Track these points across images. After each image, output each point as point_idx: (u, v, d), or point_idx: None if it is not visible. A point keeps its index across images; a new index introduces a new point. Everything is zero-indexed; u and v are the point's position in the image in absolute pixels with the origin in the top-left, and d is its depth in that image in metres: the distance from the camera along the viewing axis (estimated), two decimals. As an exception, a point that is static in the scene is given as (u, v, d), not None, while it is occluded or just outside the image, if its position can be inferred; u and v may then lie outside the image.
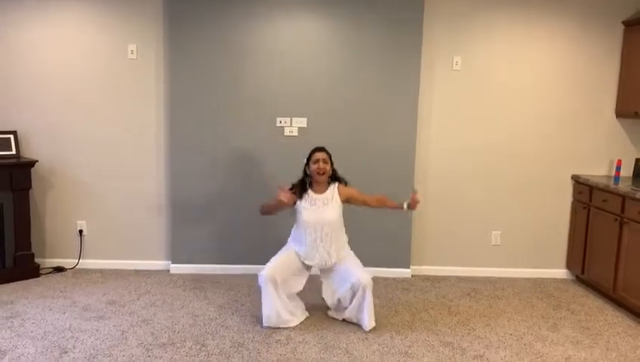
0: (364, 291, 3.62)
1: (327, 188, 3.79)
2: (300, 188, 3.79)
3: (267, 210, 3.93)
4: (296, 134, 4.63)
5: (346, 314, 3.78)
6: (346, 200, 3.81)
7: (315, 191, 3.77)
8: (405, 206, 3.81)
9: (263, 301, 3.68)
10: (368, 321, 3.66)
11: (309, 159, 3.79)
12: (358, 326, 3.73)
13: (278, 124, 4.63)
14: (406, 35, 4.54)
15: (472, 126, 4.78)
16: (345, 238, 3.87)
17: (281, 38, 4.55)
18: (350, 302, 3.72)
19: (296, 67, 4.57)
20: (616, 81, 4.76)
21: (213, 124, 4.61)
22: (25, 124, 4.62)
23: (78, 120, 4.66)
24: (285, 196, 3.69)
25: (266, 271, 3.65)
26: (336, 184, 3.82)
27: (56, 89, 4.62)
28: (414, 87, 4.59)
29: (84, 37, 4.59)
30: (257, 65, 4.56)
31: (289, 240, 3.92)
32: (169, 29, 4.54)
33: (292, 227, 3.90)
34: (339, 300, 3.79)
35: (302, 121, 4.62)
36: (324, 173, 3.73)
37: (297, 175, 4.56)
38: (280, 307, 3.66)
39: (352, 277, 3.65)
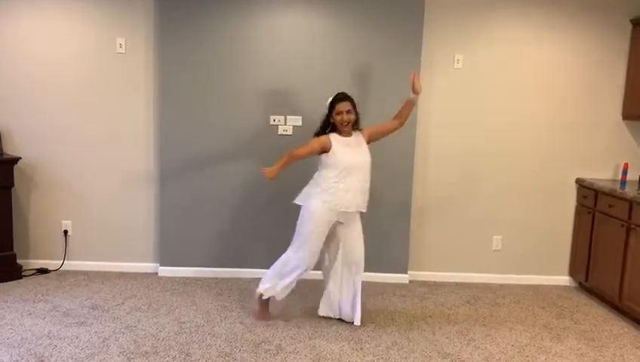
0: (357, 278, 3.68)
1: (352, 134, 3.67)
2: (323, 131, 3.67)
3: (306, 156, 3.70)
4: (291, 133, 4.46)
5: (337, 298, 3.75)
6: (370, 142, 3.71)
7: (344, 136, 3.64)
8: (411, 95, 3.70)
9: None
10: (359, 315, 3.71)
11: (331, 108, 3.62)
12: (352, 339, 3.56)
13: (271, 122, 4.46)
14: (405, 32, 4.37)
15: (473, 127, 4.62)
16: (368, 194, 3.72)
17: (275, 33, 4.37)
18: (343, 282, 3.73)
19: (291, 63, 4.40)
20: (623, 81, 4.60)
21: (204, 121, 4.44)
22: (8, 119, 4.44)
23: (65, 116, 4.48)
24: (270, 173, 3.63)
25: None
26: (358, 132, 3.70)
27: (42, 84, 4.44)
28: (414, 86, 4.42)
29: (71, 30, 4.41)
30: (251, 60, 4.39)
31: (312, 192, 3.61)
32: (159, 22, 4.36)
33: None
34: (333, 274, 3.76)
35: (296, 120, 4.45)
36: (348, 124, 3.60)
37: (291, 176, 4.41)
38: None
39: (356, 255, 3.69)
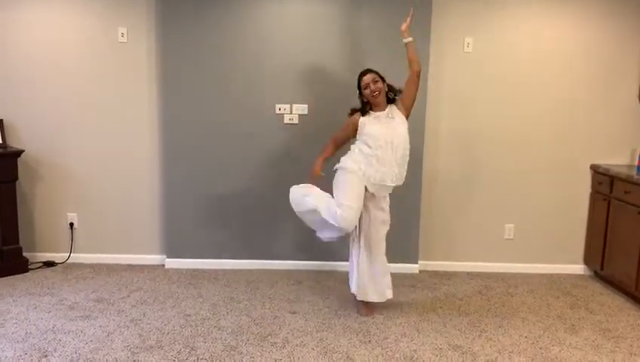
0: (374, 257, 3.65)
1: (385, 107, 3.58)
2: (361, 111, 3.60)
3: (343, 140, 3.70)
4: (297, 122, 4.37)
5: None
6: (406, 109, 3.62)
7: (376, 111, 3.57)
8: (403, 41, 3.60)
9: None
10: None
11: (359, 87, 3.57)
12: (361, 331, 3.48)
13: (277, 111, 4.36)
14: (414, 16, 4.23)
15: (484, 112, 4.49)
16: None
17: (280, 20, 4.27)
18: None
19: (297, 51, 4.29)
20: (639, 63, 4.43)
21: (209, 110, 4.36)
22: (11, 111, 4.39)
23: (67, 107, 4.42)
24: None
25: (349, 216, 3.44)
26: (393, 106, 3.59)
27: (44, 75, 4.38)
28: (423, 71, 4.27)
29: (73, 20, 4.33)
30: (255, 48, 4.29)
31: (352, 157, 3.54)
32: (161, 10, 4.27)
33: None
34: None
35: (302, 108, 4.36)
36: (379, 93, 3.51)
37: (298, 164, 4.34)
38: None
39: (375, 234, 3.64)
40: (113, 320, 3.51)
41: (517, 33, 4.40)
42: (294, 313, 3.69)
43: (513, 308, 3.91)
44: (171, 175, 4.43)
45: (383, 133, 3.46)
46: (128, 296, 3.91)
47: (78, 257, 4.60)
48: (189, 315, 3.62)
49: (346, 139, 3.68)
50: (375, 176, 3.48)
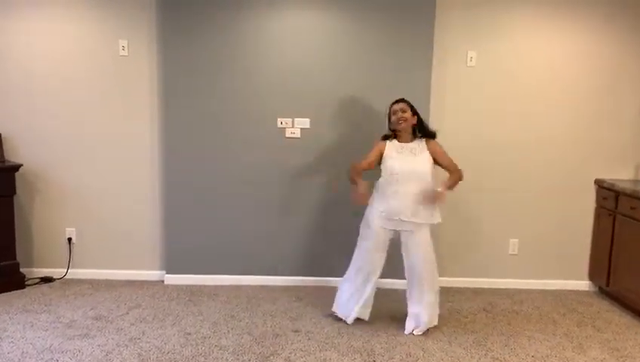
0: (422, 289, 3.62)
1: (413, 140, 3.61)
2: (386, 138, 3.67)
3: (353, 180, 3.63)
4: (299, 136, 4.32)
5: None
6: (434, 159, 3.60)
7: (400, 141, 3.60)
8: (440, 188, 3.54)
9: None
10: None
11: (389, 116, 3.64)
12: (365, 350, 3.41)
13: (279, 125, 4.32)
14: (416, 28, 4.21)
15: (487, 127, 4.45)
16: (437, 210, 3.61)
17: (283, 32, 4.23)
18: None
19: (298, 64, 4.26)
20: (644, 77, 4.42)
21: (210, 125, 4.31)
22: (9, 125, 4.33)
23: (67, 121, 4.37)
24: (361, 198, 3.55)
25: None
26: (424, 139, 3.62)
27: (43, 88, 4.33)
28: (425, 85, 4.26)
29: (73, 33, 4.29)
30: (257, 62, 4.25)
31: (371, 201, 3.62)
32: (162, 23, 4.24)
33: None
34: None
35: (304, 122, 4.31)
36: (405, 121, 3.54)
37: (301, 179, 4.30)
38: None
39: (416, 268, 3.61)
40: (112, 339, 3.44)
41: (520, 48, 4.37)
42: (297, 331, 3.62)
43: (519, 325, 3.85)
44: (172, 189, 4.38)
45: (402, 167, 3.49)
46: (127, 314, 3.84)
47: (76, 273, 4.52)
48: (190, 334, 3.54)
49: (370, 166, 3.64)
50: (388, 210, 3.51)
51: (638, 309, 4.00)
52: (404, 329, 3.65)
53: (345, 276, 3.78)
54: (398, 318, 3.79)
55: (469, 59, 4.38)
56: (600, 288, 4.55)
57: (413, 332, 3.62)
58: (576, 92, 4.43)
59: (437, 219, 3.60)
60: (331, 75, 4.27)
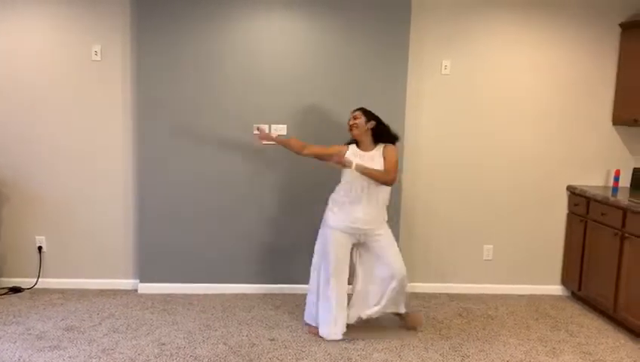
0: (401, 284, 3.61)
1: (373, 148, 3.63)
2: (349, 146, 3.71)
3: (319, 156, 3.74)
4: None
5: (374, 310, 3.67)
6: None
7: (361, 149, 3.64)
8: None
9: (326, 311, 3.60)
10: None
11: None
12: (342, 358, 3.40)
13: (255, 132, 4.28)
14: (392, 37, 4.24)
15: (462, 134, 4.50)
16: (385, 213, 3.68)
17: (259, 39, 4.22)
18: (380, 298, 3.65)
19: (275, 71, 4.25)
20: (613, 86, 4.51)
21: (183, 130, 4.26)
22: (-23, 131, 4.23)
23: (37, 127, 4.28)
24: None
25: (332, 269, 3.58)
26: (383, 145, 3.64)
27: (12, 93, 4.23)
28: (401, 93, 4.29)
29: (43, 37, 4.21)
30: (232, 69, 4.23)
31: (328, 209, 3.66)
32: (137, 28, 4.18)
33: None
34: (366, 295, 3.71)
35: (281, 129, 4.29)
36: (356, 128, 3.59)
37: (276, 186, 4.29)
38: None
39: (388, 269, 3.59)
40: (84, 350, 3.36)
41: (493, 56, 4.44)
42: (273, 340, 3.59)
43: (494, 330, 3.88)
44: (145, 196, 4.31)
45: (357, 177, 3.52)
46: (100, 324, 3.76)
47: (46, 282, 4.42)
48: (164, 344, 3.48)
49: (324, 155, 3.69)
50: (347, 219, 3.54)
51: (609, 313, 4.08)
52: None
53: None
54: (376, 325, 3.79)
55: (443, 67, 4.42)
56: (572, 293, 4.63)
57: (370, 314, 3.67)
58: (549, 101, 4.51)
59: (385, 217, 3.67)
60: (308, 83, 4.26)
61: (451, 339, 3.71)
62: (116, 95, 4.29)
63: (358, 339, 3.62)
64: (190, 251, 4.37)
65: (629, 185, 4.55)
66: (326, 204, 3.69)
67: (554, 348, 3.64)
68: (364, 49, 4.24)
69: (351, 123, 3.62)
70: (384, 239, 3.65)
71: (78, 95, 4.27)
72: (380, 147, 3.63)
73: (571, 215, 4.57)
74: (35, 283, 4.40)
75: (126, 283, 4.46)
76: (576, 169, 4.59)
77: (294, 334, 3.68)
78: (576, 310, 4.35)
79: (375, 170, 3.52)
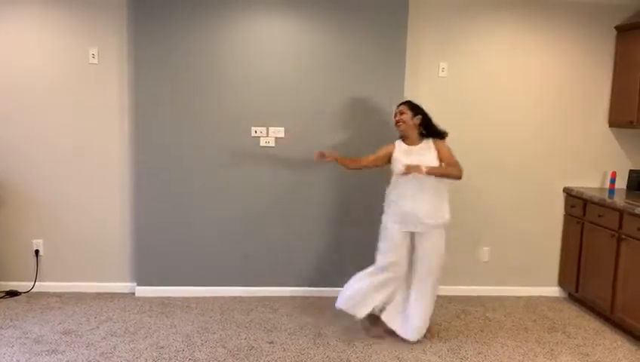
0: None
1: (421, 142, 3.61)
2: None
3: (375, 164, 3.76)
4: (273, 145, 4.30)
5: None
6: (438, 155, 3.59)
7: (408, 143, 3.62)
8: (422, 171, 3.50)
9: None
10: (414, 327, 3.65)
11: None
12: (344, 357, 3.40)
13: (253, 134, 4.29)
14: (389, 40, 4.25)
15: (458, 137, 4.47)
16: (446, 207, 3.61)
17: (257, 42, 4.21)
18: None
19: (273, 73, 4.24)
20: (609, 88, 4.54)
21: (181, 133, 4.25)
22: (-27, 134, 4.21)
23: (34, 130, 4.26)
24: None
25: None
26: (431, 139, 3.62)
27: (10, 96, 4.21)
28: (398, 95, 4.28)
29: (41, 40, 4.19)
30: (231, 70, 4.22)
31: (385, 208, 3.65)
32: (134, 30, 4.17)
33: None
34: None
35: (279, 131, 4.29)
36: (403, 123, 3.58)
37: (275, 188, 4.29)
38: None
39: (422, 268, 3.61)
40: (82, 354, 3.35)
41: (490, 59, 4.45)
42: (272, 343, 3.59)
43: (492, 332, 3.89)
44: (142, 200, 4.30)
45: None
46: (97, 328, 3.74)
47: (43, 286, 4.39)
48: (162, 347, 3.47)
49: (376, 161, 3.71)
50: (398, 216, 3.53)
51: (606, 315, 4.09)
52: (399, 333, 3.65)
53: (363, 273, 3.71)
54: (374, 328, 3.79)
55: (440, 69, 4.43)
56: (570, 294, 4.64)
57: (409, 339, 3.63)
58: (546, 103, 4.53)
59: (444, 217, 3.59)
60: (306, 84, 4.27)
61: (450, 341, 3.71)
62: (113, 98, 4.28)
63: (356, 342, 3.62)
64: (188, 254, 4.36)
65: (625, 187, 4.57)
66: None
67: (552, 350, 3.64)
68: (362, 51, 4.25)
69: (397, 118, 3.59)
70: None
71: (76, 98, 4.26)
72: (428, 141, 3.61)
73: (568, 217, 4.58)
74: (32, 287, 4.38)
75: (123, 286, 4.44)
76: (572, 171, 4.61)
77: (293, 337, 3.68)
78: (573, 311, 4.37)
79: (449, 169, 3.51)
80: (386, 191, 3.68)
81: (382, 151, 3.70)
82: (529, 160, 4.58)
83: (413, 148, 3.60)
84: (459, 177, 3.56)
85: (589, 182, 4.62)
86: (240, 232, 4.37)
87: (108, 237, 4.41)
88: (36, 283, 4.39)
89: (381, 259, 3.61)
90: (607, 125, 4.58)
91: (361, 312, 3.61)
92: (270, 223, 4.38)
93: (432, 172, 3.45)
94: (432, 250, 3.59)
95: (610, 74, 4.52)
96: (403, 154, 3.57)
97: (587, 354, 3.60)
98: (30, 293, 4.34)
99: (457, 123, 4.49)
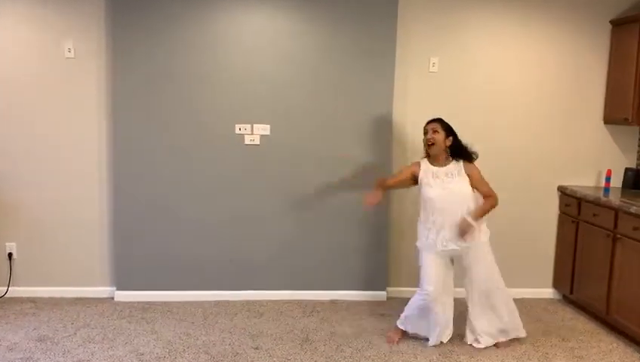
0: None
1: (449, 162, 3.48)
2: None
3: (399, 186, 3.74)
4: (258, 143, 4.15)
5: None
6: (472, 185, 3.47)
7: (435, 165, 3.48)
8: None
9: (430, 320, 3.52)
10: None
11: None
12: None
13: (237, 132, 4.14)
14: (379, 34, 4.12)
15: (450, 133, 4.39)
16: (484, 227, 3.51)
17: (239, 35, 4.07)
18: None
19: (258, 68, 4.10)
20: (604, 84, 4.44)
21: (162, 130, 4.09)
22: (-57, 132, 4.02)
23: (6, 127, 4.08)
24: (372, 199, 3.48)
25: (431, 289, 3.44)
26: (461, 161, 3.48)
27: (-19, 92, 4.03)
28: (388, 91, 4.18)
29: (14, 34, 4.01)
30: (212, 65, 4.07)
31: (418, 228, 3.56)
32: (112, 23, 4.00)
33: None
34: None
35: (264, 128, 4.15)
36: (433, 144, 3.44)
37: (260, 187, 4.15)
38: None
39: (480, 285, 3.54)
40: (57, 361, 3.18)
41: (481, 54, 4.34)
42: (257, 348, 3.44)
43: (485, 336, 3.77)
44: (121, 200, 4.13)
45: (438, 194, 3.38)
46: (74, 334, 3.57)
47: (17, 291, 4.21)
48: (143, 354, 3.31)
49: (401, 183, 3.63)
50: (433, 244, 3.41)
51: (601, 317, 3.99)
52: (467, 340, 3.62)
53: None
54: (363, 332, 3.65)
55: (431, 64, 4.31)
56: (564, 296, 4.54)
57: (497, 346, 3.59)
58: (539, 100, 4.42)
59: (483, 237, 3.49)
60: (292, 80, 4.13)
61: (441, 346, 3.59)
62: (90, 94, 4.11)
63: (344, 347, 3.48)
64: (169, 257, 4.20)
65: (620, 185, 4.47)
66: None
67: (546, 353, 3.54)
68: (351, 44, 4.12)
69: (429, 137, 3.44)
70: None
71: (51, 94, 4.08)
72: (459, 164, 3.47)
73: (563, 216, 4.48)
74: (5, 292, 4.20)
75: (102, 290, 4.27)
76: (567, 169, 4.51)
77: (279, 342, 3.54)
78: (567, 314, 4.26)
79: (487, 206, 3.44)
80: (419, 220, 3.56)
81: (405, 173, 3.58)
82: (522, 158, 4.47)
83: (440, 169, 3.45)
84: (495, 205, 3.47)
85: (585, 181, 4.53)
86: (223, 234, 4.21)
87: (85, 239, 4.23)
88: (9, 288, 4.21)
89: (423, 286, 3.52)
90: (603, 122, 4.48)
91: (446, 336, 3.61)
92: (254, 225, 4.23)
93: (477, 217, 3.37)
94: (479, 263, 3.51)
95: (606, 69, 4.42)
96: (430, 176, 3.44)
97: (582, 357, 3.49)
98: (3, 299, 4.16)
99: (448, 120, 4.36)
